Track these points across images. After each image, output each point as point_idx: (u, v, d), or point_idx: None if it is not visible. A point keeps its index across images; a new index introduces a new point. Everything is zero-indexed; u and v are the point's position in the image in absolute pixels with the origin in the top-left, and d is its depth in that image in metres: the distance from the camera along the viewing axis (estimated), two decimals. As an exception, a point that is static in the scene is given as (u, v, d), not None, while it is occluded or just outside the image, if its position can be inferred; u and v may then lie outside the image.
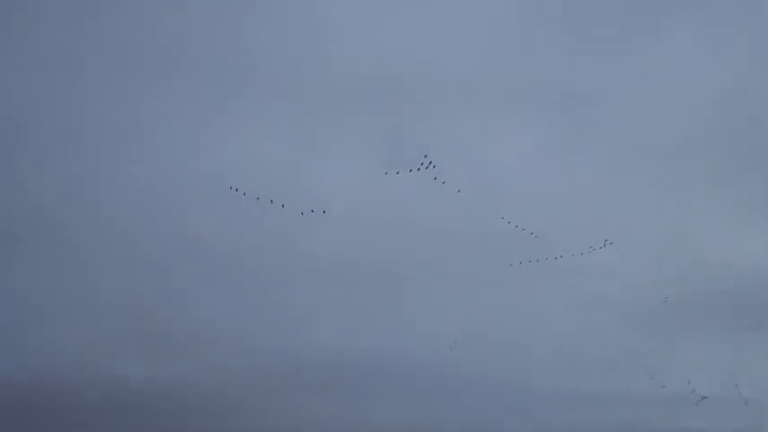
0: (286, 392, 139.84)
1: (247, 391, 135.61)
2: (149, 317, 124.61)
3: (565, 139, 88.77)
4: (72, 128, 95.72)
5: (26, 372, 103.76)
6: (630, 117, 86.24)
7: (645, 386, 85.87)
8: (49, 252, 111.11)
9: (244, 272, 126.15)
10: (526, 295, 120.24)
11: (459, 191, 62.03)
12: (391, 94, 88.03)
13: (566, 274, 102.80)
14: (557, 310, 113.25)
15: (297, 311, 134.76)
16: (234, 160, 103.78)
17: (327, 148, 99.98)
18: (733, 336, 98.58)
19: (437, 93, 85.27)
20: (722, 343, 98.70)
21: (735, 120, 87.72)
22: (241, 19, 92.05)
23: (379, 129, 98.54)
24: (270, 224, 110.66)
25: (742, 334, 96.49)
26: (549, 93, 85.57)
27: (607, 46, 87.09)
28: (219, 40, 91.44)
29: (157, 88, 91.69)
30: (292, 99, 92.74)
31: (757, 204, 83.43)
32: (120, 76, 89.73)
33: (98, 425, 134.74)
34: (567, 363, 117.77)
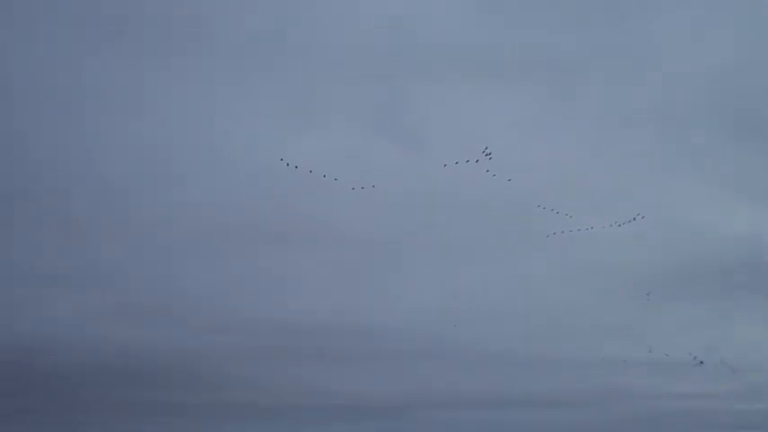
0: (280, 362, 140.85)
1: (241, 362, 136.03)
2: (141, 286, 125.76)
3: (551, 109, 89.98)
4: (72, 98, 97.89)
5: (18, 339, 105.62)
6: (616, 88, 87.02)
7: (635, 352, 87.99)
8: (45, 220, 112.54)
9: (237, 242, 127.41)
10: (519, 265, 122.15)
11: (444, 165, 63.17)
12: (378, 64, 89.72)
13: (556, 244, 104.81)
14: (547, 279, 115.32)
15: (292, 281, 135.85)
16: (227, 131, 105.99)
17: (316, 119, 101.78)
18: (721, 303, 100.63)
19: (424, 63, 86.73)
20: (711, 310, 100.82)
21: (722, 93, 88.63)
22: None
23: (367, 99, 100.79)
24: (264, 194, 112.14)
25: (729, 301, 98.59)
26: (535, 63, 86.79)
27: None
28: (214, 13, 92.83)
29: (156, 59, 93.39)
30: (282, 71, 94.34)
31: (744, 176, 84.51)
32: (120, 47, 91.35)
33: (89, 392, 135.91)
34: (558, 330, 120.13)
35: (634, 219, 20.44)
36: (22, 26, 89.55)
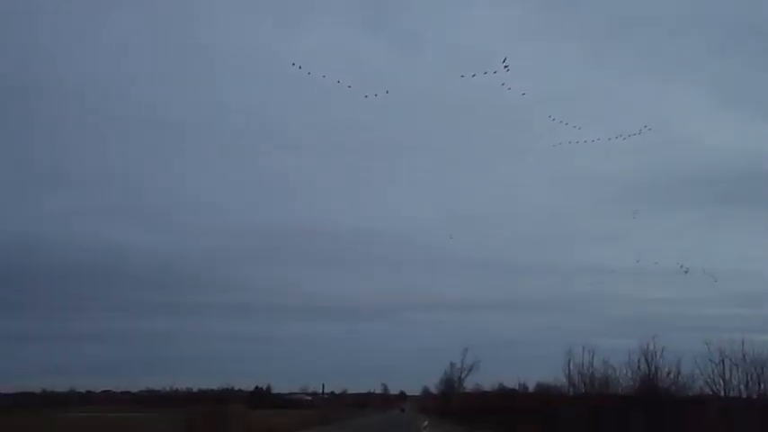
0: (273, 264, 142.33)
1: (235, 263, 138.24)
2: (137, 188, 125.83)
3: (552, 16, 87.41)
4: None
5: (6, 237, 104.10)
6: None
7: (623, 260, 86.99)
8: (38, 117, 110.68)
9: (239, 145, 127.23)
10: (520, 175, 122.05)
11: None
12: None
13: (546, 152, 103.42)
14: (547, 188, 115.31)
15: (291, 186, 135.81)
16: (219, 33, 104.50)
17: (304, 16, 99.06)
18: (706, 212, 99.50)
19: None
20: (697, 219, 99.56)
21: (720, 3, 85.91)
22: None
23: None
24: (257, 95, 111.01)
25: (714, 210, 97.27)
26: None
27: None
28: None
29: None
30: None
31: (740, 86, 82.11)
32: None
33: (77, 289, 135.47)
34: (549, 237, 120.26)
35: (640, 131, 19.24)
36: None
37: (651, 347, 18.90)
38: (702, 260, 49.59)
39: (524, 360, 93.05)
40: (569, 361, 24.62)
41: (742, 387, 15.57)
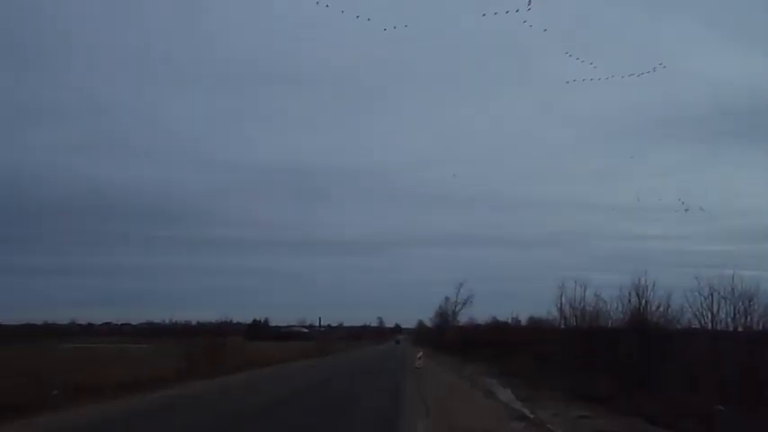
0: (272, 200, 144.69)
1: (223, 199, 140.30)
2: (124, 122, 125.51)
3: None
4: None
5: (10, 171, 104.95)
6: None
7: (623, 197, 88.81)
8: (21, 51, 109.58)
9: (220, 81, 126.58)
10: (506, 107, 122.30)
11: None
12: None
13: (555, 88, 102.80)
14: (554, 125, 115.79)
15: (282, 121, 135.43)
16: None
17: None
18: (705, 148, 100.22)
19: None
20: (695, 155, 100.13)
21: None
22: None
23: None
24: (249, 34, 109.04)
25: (713, 147, 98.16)
26: None
27: None
28: None
29: None
30: None
31: (742, 20, 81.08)
32: None
33: (90, 223, 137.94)
34: (549, 173, 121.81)
35: (654, 69, 19.02)
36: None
37: (642, 282, 19.19)
38: (700, 197, 49.66)
39: (518, 295, 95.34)
40: (561, 295, 24.99)
41: (729, 320, 15.91)
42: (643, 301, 19.15)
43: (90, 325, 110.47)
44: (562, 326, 25.86)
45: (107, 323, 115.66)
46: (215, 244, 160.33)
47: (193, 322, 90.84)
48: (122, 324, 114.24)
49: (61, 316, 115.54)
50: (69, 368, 18.53)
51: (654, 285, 18.95)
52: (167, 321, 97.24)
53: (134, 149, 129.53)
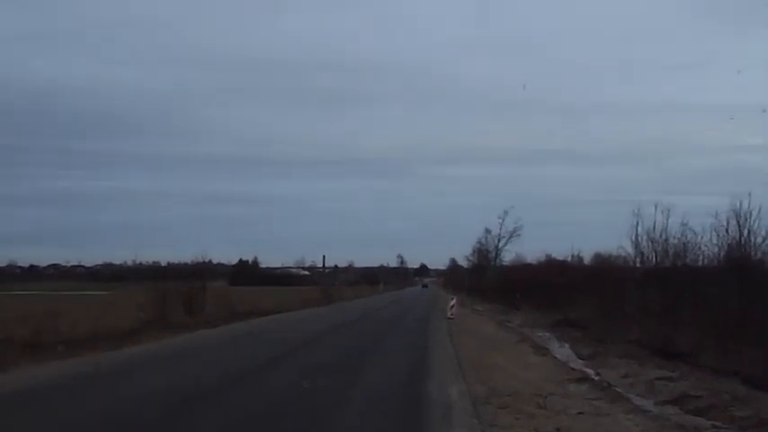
0: (258, 104, 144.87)
1: (203, 106, 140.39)
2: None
3: None
4: None
5: None
6: None
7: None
8: None
9: None
10: None
11: None
12: None
13: None
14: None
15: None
16: None
17: None
18: None
19: None
20: None
21: None
22: None
23: None
24: None
25: None
26: None
27: None
28: None
29: None
30: None
31: None
32: None
33: (19, 136, 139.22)
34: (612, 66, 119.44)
35: None
36: None
37: (744, 207, 18.96)
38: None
39: (580, 226, 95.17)
40: (637, 225, 24.86)
41: None
42: (744, 232, 19.03)
43: (33, 267, 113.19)
44: (637, 264, 25.93)
45: (54, 265, 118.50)
46: (190, 163, 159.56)
47: (163, 263, 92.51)
48: (73, 266, 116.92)
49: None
50: (10, 320, 19.01)
51: (759, 212, 18.74)
52: (129, 263, 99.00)
53: (89, 40, 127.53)
